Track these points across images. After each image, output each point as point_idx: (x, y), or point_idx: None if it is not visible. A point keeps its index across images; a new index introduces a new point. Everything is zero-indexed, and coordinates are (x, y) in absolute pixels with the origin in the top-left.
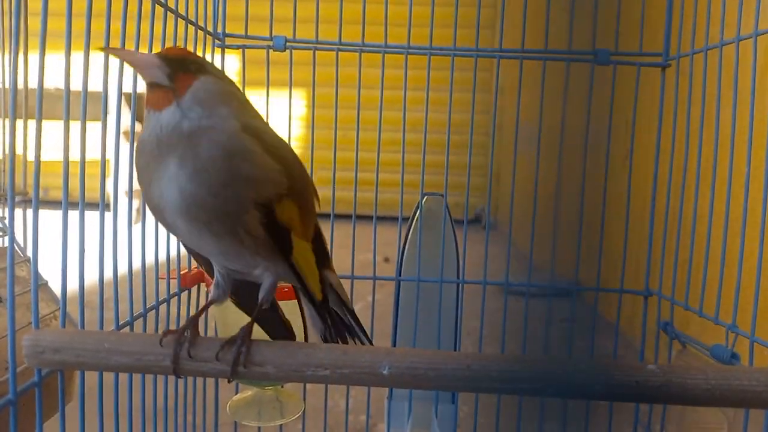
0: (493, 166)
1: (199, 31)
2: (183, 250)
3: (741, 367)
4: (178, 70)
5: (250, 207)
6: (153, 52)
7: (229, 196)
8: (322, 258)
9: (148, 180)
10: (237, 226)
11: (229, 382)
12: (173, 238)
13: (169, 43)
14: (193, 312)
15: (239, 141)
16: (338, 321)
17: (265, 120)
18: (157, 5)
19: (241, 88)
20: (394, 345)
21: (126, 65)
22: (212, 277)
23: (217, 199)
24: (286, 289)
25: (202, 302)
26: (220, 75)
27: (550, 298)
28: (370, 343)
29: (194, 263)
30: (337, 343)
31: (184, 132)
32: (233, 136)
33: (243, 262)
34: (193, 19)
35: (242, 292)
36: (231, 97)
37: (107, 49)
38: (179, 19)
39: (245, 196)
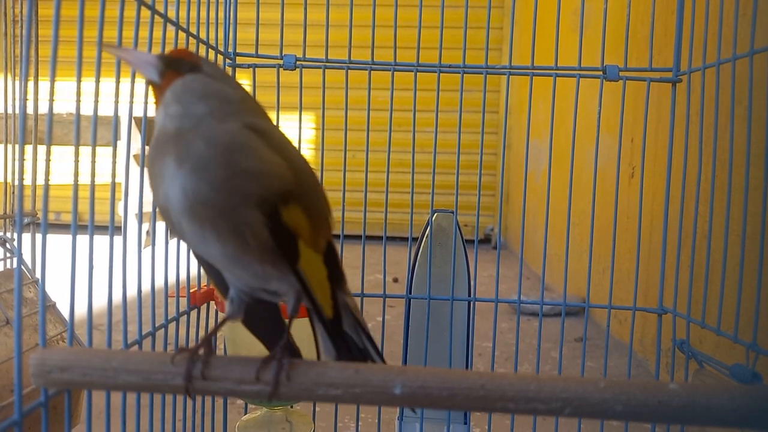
0: (503, 185)
1: (210, 50)
2: (193, 268)
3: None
4: (169, 69)
5: (254, 204)
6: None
7: (232, 190)
8: (336, 275)
9: (154, 180)
10: (242, 226)
11: (269, 401)
12: (183, 257)
13: None
14: (202, 331)
15: (237, 135)
16: (353, 346)
17: (274, 124)
18: (168, 24)
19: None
20: (405, 364)
21: (129, 85)
22: (223, 295)
23: (219, 194)
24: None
25: (212, 321)
26: (217, 75)
27: (563, 317)
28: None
29: (204, 281)
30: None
31: (170, 131)
32: (229, 131)
33: (251, 272)
34: (204, 38)
35: (252, 314)
36: (215, 95)
37: (104, 46)
38: (190, 38)
39: (248, 190)
